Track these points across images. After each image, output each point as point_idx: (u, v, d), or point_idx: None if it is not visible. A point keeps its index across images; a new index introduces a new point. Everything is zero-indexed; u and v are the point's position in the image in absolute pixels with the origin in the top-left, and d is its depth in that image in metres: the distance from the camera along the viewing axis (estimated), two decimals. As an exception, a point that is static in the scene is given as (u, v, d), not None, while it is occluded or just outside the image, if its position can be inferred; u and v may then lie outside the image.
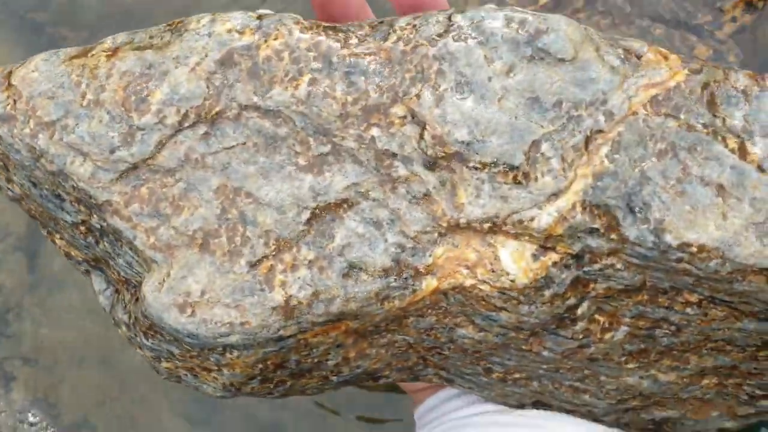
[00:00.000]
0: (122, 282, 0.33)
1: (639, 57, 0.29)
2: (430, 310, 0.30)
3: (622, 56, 0.29)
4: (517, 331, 0.30)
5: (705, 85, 0.29)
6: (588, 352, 0.31)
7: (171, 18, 0.32)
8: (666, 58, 0.30)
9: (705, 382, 0.32)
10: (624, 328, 0.30)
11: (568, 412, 0.34)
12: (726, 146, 0.28)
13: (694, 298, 0.29)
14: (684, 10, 0.61)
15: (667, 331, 0.30)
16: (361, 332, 0.30)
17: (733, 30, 0.59)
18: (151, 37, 0.31)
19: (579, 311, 0.30)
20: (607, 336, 0.30)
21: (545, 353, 0.31)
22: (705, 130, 0.28)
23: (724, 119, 0.29)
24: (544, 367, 0.32)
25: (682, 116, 0.29)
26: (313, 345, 0.30)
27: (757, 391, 0.33)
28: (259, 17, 0.30)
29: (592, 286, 0.29)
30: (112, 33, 0.32)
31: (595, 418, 0.34)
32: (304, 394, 0.34)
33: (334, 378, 0.33)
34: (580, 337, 0.30)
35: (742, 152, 0.28)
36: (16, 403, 0.65)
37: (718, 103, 0.29)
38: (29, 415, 0.64)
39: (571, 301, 0.29)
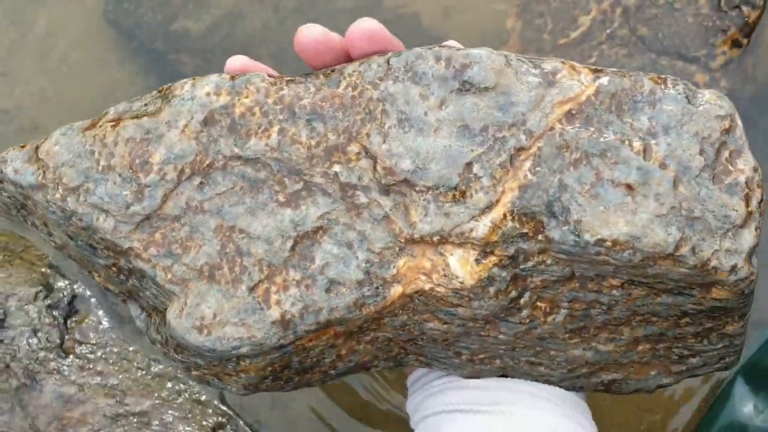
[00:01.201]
0: (152, 308, 0.39)
1: (554, 75, 0.34)
2: (400, 311, 0.35)
3: (539, 77, 0.34)
4: (474, 321, 0.36)
5: (613, 95, 0.33)
6: (536, 333, 0.36)
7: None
8: (579, 72, 0.34)
9: (640, 348, 0.37)
10: (563, 311, 0.35)
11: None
12: (632, 149, 0.33)
13: (616, 282, 0.34)
14: (684, 45, 0.74)
15: (600, 310, 0.35)
16: (348, 334, 0.36)
17: (723, 61, 0.73)
18: (145, 105, 0.36)
19: (522, 301, 0.35)
20: (550, 318, 0.36)
21: (501, 336, 0.37)
22: (614, 137, 0.33)
23: (631, 124, 0.33)
24: (503, 347, 0.37)
25: (593, 126, 0.33)
26: (310, 348, 0.36)
27: (685, 352, 0.38)
28: (232, 78, 0.36)
29: (529, 279, 0.34)
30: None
31: (553, 385, 0.40)
32: (310, 385, 0.40)
33: (333, 371, 0.39)
34: (527, 321, 0.36)
35: (647, 153, 0.33)
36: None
37: (625, 110, 0.33)
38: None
39: (513, 294, 0.35)
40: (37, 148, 0.37)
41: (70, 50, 0.76)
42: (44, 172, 0.36)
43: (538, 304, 0.35)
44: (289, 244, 0.35)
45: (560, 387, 0.40)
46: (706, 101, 0.33)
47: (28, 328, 0.61)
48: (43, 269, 0.65)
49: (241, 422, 0.64)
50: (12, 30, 0.77)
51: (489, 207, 0.33)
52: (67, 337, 0.62)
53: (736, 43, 0.73)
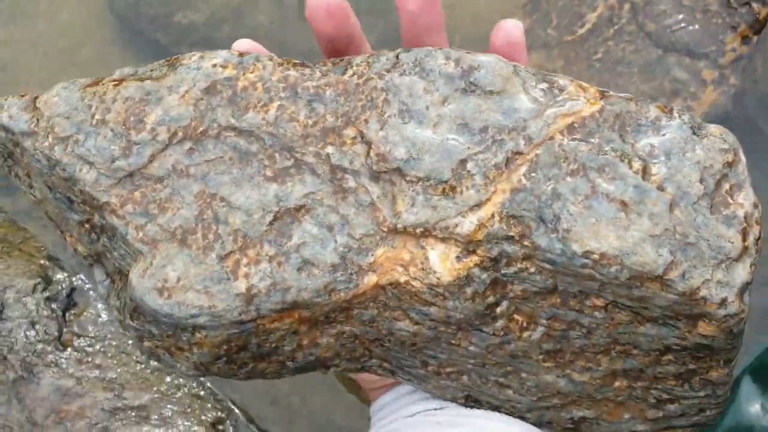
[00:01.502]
0: (116, 272, 0.38)
1: (561, 90, 0.34)
2: (371, 303, 0.34)
3: (546, 89, 0.34)
4: (446, 325, 0.34)
5: (618, 115, 0.33)
6: (509, 349, 0.35)
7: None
8: (586, 90, 0.34)
9: (617, 384, 0.35)
10: (541, 329, 0.34)
11: (495, 408, 0.37)
12: (631, 168, 0.32)
13: (600, 302, 0.33)
14: (693, 41, 0.74)
15: (579, 333, 0.34)
16: (313, 321, 0.35)
17: (733, 58, 0.73)
18: (151, 70, 0.36)
19: (498, 310, 0.34)
20: (526, 335, 0.34)
21: (472, 348, 0.35)
22: (614, 154, 0.32)
23: (632, 144, 0.33)
24: (472, 361, 0.36)
25: (594, 141, 0.33)
26: (271, 330, 0.34)
27: (664, 395, 0.35)
28: (241, 54, 0.36)
29: (509, 287, 0.33)
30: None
31: (520, 415, 0.37)
32: (265, 377, 0.38)
33: (290, 364, 0.37)
34: (501, 334, 0.34)
35: (646, 173, 0.32)
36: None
37: (628, 131, 0.33)
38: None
39: (491, 299, 0.33)
40: (36, 98, 0.37)
41: (71, 44, 0.77)
42: (38, 121, 0.36)
43: (515, 316, 0.34)
44: (269, 218, 0.34)
45: (527, 419, 0.37)
46: (710, 134, 0.33)
47: (26, 320, 0.62)
48: (41, 261, 0.66)
49: (240, 417, 0.64)
50: (13, 24, 0.77)
51: (478, 205, 0.33)
52: (65, 329, 0.62)
53: (745, 40, 0.73)
